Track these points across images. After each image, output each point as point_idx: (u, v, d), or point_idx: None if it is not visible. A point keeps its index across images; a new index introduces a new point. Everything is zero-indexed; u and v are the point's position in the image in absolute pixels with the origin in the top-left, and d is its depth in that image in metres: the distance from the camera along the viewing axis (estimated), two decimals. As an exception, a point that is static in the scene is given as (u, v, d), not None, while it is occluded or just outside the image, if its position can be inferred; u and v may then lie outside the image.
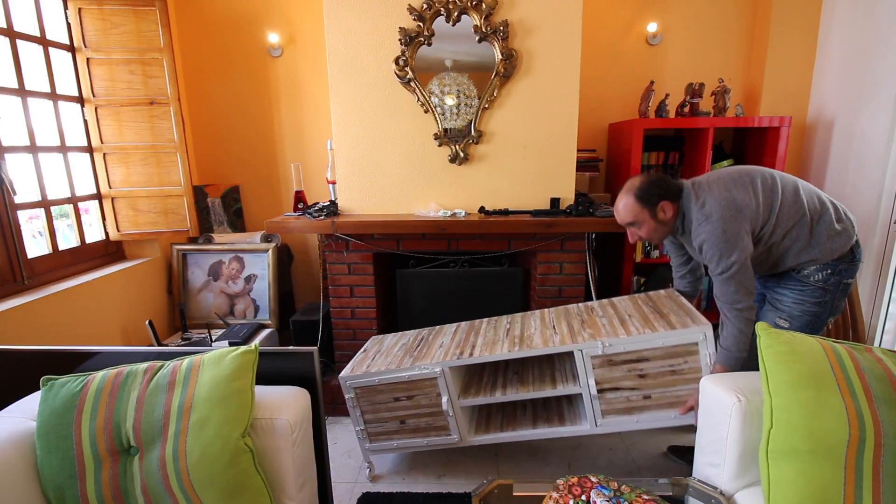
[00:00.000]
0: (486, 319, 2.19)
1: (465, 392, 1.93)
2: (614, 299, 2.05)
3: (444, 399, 1.86)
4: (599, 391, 1.74)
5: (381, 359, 2.01)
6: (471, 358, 1.83)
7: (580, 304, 2.09)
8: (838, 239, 1.64)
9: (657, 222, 1.71)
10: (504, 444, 2.29)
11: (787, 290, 1.73)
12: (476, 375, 2.06)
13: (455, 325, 2.21)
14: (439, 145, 2.42)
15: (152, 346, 2.40)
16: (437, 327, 2.24)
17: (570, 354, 1.77)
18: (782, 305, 1.74)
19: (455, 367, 1.88)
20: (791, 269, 1.71)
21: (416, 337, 2.17)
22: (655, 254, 2.70)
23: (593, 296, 2.60)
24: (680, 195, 1.69)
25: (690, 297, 1.97)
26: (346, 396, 1.95)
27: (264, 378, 1.32)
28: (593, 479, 1.22)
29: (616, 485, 1.20)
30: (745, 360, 1.63)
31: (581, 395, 1.78)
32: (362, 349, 2.20)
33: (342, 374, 1.95)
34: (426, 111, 2.39)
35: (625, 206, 1.72)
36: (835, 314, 1.73)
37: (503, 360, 1.90)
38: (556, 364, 2.00)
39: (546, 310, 2.12)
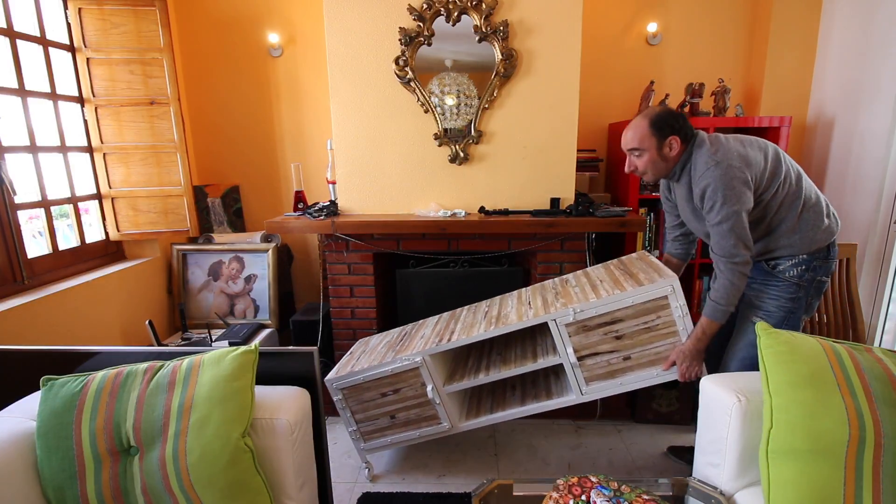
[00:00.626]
0: (466, 307, 2.21)
1: (451, 379, 1.95)
2: (588, 268, 2.07)
3: (429, 388, 1.87)
4: (579, 358, 1.75)
5: (365, 358, 2.02)
6: (449, 343, 1.85)
7: (556, 279, 2.11)
8: (821, 233, 1.66)
9: (660, 156, 1.68)
10: (504, 444, 2.30)
11: (761, 286, 1.75)
12: (461, 362, 2.08)
13: (437, 316, 2.23)
14: (439, 145, 2.42)
15: (152, 346, 2.40)
16: (421, 321, 2.25)
17: (549, 328, 1.78)
18: (758, 301, 1.75)
19: (437, 355, 1.90)
20: (768, 259, 1.72)
21: (399, 333, 2.19)
22: (656, 253, 2.70)
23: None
24: (690, 140, 1.68)
25: (682, 259, 1.99)
26: (335, 399, 1.97)
27: (264, 378, 1.32)
28: (593, 479, 1.22)
29: (616, 485, 1.20)
30: (731, 313, 1.64)
31: (563, 366, 1.79)
32: (349, 352, 2.21)
33: (328, 377, 1.96)
34: (426, 111, 2.39)
35: (635, 130, 1.69)
36: (808, 313, 1.75)
37: (485, 342, 1.91)
38: (538, 340, 2.02)
39: (523, 289, 2.14)
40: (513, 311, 1.92)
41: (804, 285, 1.68)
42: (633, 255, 2.02)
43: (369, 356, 2.02)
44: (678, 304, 1.65)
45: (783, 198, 1.64)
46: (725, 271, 1.60)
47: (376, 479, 2.07)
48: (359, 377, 1.92)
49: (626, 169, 1.77)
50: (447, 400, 1.90)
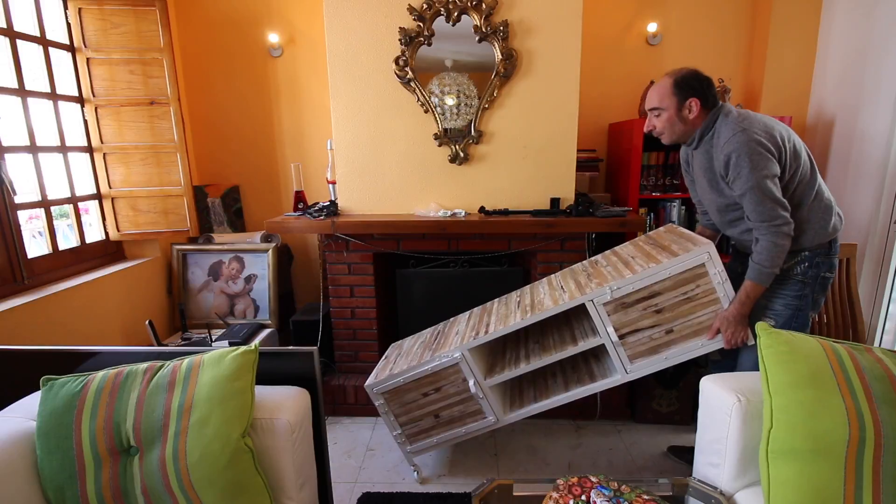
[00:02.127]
0: (497, 299, 2.19)
1: (491, 372, 1.92)
2: (616, 248, 2.04)
3: (471, 382, 1.85)
4: (620, 337, 1.73)
5: (402, 360, 2.01)
6: (486, 335, 1.83)
7: (584, 261, 2.08)
8: (827, 228, 1.65)
9: (679, 117, 1.68)
10: (504, 444, 2.30)
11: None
12: (499, 354, 2.06)
13: (468, 312, 2.21)
14: (439, 145, 2.42)
15: (152, 346, 2.40)
16: (452, 319, 2.23)
17: (585, 310, 1.76)
18: (765, 301, 1.73)
19: (475, 349, 1.88)
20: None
21: (432, 332, 2.17)
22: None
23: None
24: (713, 106, 1.66)
25: (716, 231, 1.95)
26: (377, 404, 1.95)
27: (264, 378, 1.32)
28: (593, 479, 1.22)
29: (616, 485, 1.20)
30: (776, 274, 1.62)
31: (604, 346, 1.76)
32: (383, 357, 2.18)
33: (367, 382, 1.95)
34: (426, 111, 2.39)
35: (659, 87, 1.69)
36: (815, 309, 1.74)
37: (521, 330, 1.88)
38: (575, 325, 2.00)
39: (553, 275, 2.12)
40: (546, 297, 1.89)
41: (809, 282, 1.67)
42: (661, 229, 1.99)
43: (406, 358, 2.01)
44: (716, 270, 1.62)
45: (797, 184, 1.62)
46: (767, 234, 1.57)
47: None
48: (399, 379, 1.90)
49: (646, 128, 1.76)
50: (490, 393, 1.88)
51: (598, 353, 1.96)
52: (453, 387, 1.90)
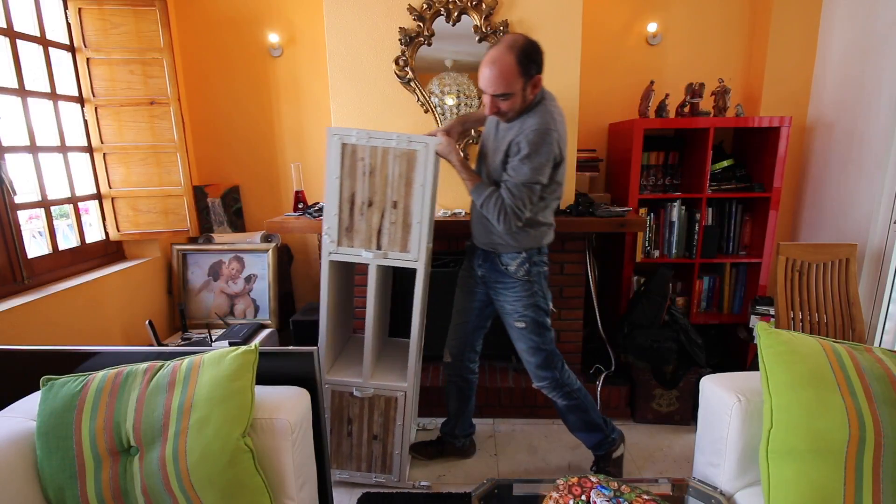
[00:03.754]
0: None
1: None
2: None
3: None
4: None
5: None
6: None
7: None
8: (541, 239, 1.81)
9: (522, 98, 1.58)
10: (504, 444, 2.30)
11: (503, 289, 1.85)
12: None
13: None
14: (439, 145, 2.42)
15: (152, 346, 2.40)
16: None
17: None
18: (508, 307, 1.85)
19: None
20: (498, 252, 1.82)
21: None
22: (656, 254, 2.71)
23: (593, 296, 2.60)
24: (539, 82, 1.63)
25: None
26: None
27: (264, 378, 1.32)
28: (593, 479, 1.22)
29: (616, 485, 1.20)
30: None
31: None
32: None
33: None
34: (426, 111, 2.39)
35: (501, 68, 1.51)
36: (547, 298, 1.89)
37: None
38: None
39: None
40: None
41: (534, 279, 1.81)
42: None
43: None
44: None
45: (550, 196, 1.74)
46: (509, 200, 1.61)
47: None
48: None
49: (488, 110, 1.64)
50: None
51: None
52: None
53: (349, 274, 2.26)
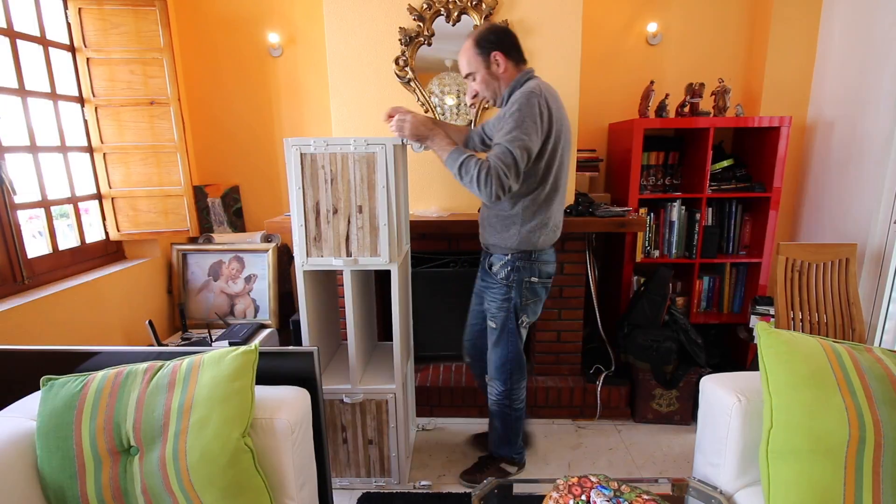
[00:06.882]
0: None
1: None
2: None
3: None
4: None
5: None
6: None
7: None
8: (532, 237, 1.74)
9: (489, 73, 1.70)
10: (504, 444, 2.29)
11: (486, 287, 1.88)
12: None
13: None
14: (439, 145, 2.41)
15: (152, 346, 2.40)
16: None
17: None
18: (486, 304, 1.87)
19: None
20: (490, 252, 1.85)
21: None
22: (656, 253, 2.70)
23: (593, 296, 2.60)
24: (519, 59, 1.71)
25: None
26: None
27: (264, 378, 1.32)
28: (593, 479, 1.22)
29: (616, 485, 1.20)
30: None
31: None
32: None
33: None
34: (426, 111, 2.39)
35: (463, 51, 1.72)
36: (530, 315, 1.85)
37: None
38: None
39: None
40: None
41: (513, 286, 1.78)
42: None
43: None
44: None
45: (534, 174, 1.68)
46: (480, 177, 1.56)
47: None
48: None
49: (468, 99, 1.82)
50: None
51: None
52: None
53: (331, 282, 2.26)
